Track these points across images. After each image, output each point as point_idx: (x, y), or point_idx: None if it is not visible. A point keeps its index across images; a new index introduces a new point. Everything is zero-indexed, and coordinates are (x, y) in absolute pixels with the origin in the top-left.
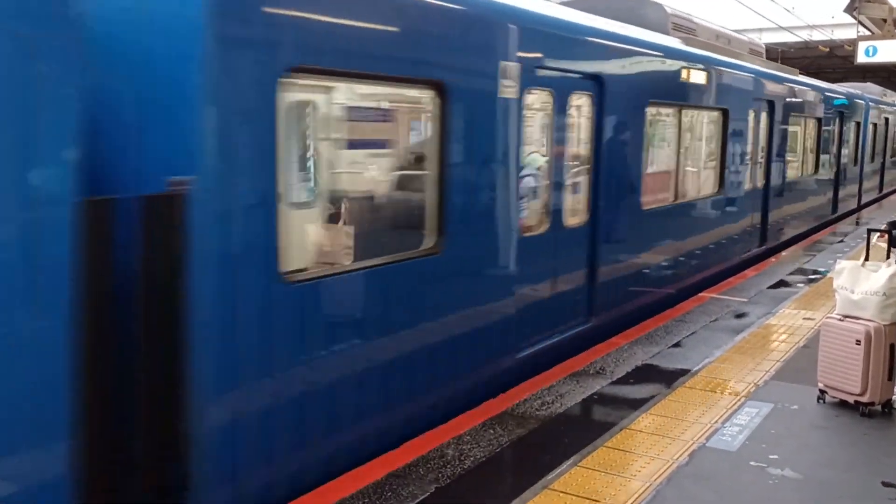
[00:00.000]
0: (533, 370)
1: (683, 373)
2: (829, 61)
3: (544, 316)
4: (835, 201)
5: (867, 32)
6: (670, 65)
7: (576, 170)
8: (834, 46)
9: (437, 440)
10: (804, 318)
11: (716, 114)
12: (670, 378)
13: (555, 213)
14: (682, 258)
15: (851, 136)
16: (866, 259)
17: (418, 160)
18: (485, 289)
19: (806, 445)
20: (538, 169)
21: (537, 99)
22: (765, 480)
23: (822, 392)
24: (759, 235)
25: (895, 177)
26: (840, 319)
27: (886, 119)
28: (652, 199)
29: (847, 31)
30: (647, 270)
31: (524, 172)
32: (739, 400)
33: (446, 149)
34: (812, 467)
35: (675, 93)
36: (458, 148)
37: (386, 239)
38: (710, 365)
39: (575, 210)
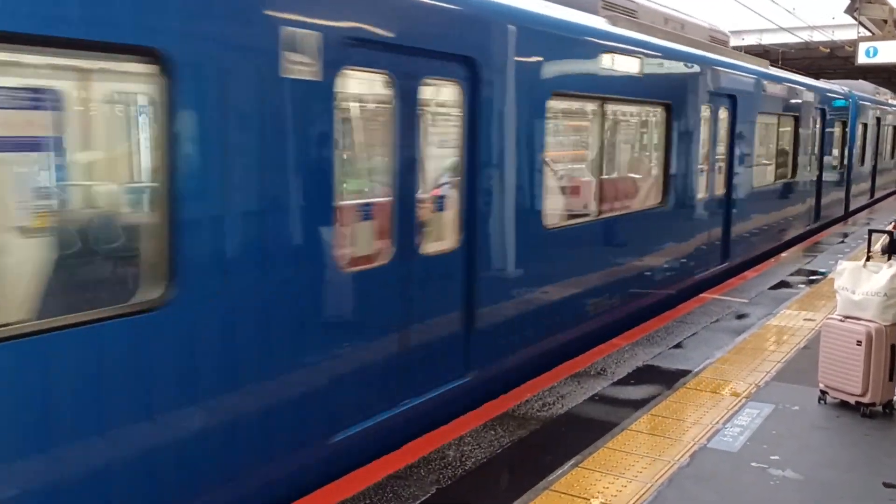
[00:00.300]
0: (375, 450)
1: (684, 374)
2: (830, 62)
3: (384, 377)
4: (817, 208)
5: (868, 33)
6: (586, 49)
7: (441, 179)
8: (834, 47)
9: (437, 441)
10: (805, 319)
11: (657, 109)
12: (671, 379)
13: (403, 236)
14: (605, 286)
15: (837, 137)
16: (867, 260)
17: (149, 170)
18: (256, 354)
19: (807, 446)
20: (372, 179)
21: (363, 84)
22: (766, 481)
23: (823, 393)
24: (720, 252)
25: (890, 180)
26: (841, 320)
27: (878, 118)
28: (561, 214)
29: (848, 31)
30: (555, 307)
31: (348, 187)
32: (740, 401)
33: (173, 153)
34: (813, 468)
35: (593, 83)
36: (192, 150)
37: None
38: (711, 366)
39: (439, 231)
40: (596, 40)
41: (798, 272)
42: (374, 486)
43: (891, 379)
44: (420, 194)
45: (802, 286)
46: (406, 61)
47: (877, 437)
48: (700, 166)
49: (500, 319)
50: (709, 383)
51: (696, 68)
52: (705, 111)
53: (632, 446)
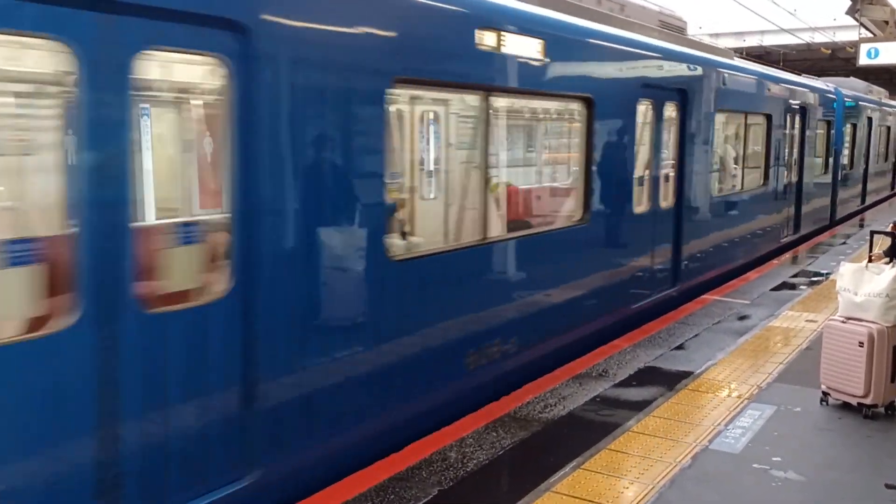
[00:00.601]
0: None
1: (686, 375)
2: (831, 63)
3: None
4: (797, 218)
5: (869, 34)
6: (449, 25)
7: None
8: (836, 48)
9: (439, 443)
10: (807, 321)
11: (572, 105)
12: (673, 380)
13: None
14: (494, 331)
15: (821, 139)
16: (869, 261)
17: None
18: None
19: (809, 447)
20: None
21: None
22: (768, 482)
23: (825, 394)
24: (669, 275)
25: (883, 185)
26: (843, 321)
27: (870, 118)
28: (415, 242)
29: (849, 33)
30: (406, 369)
31: None
32: (742, 402)
33: None
34: (815, 469)
35: (465, 68)
36: None
37: None
38: (713, 367)
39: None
40: (466, 11)
41: (800, 273)
42: (375, 488)
43: (892, 380)
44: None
45: (804, 287)
46: (87, 25)
47: (879, 439)
48: (639, 173)
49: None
50: (710, 385)
51: (630, 56)
52: (645, 108)
53: (633, 448)
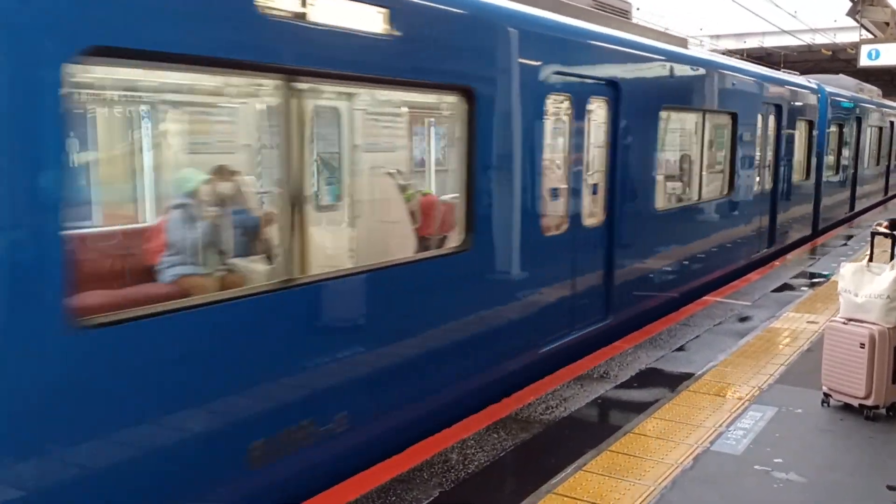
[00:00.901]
0: None
1: (687, 376)
2: (832, 65)
3: None
4: (771, 230)
5: (870, 36)
6: None
7: None
8: (836, 50)
9: (441, 444)
10: (808, 322)
11: (448, 98)
12: (674, 382)
13: None
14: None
15: (801, 141)
16: (870, 261)
17: None
18: None
19: (810, 449)
20: None
21: None
22: (769, 484)
23: (827, 395)
24: (600, 305)
25: (875, 190)
26: (844, 323)
27: (859, 118)
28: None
29: (850, 34)
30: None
31: None
32: (743, 403)
33: None
34: (816, 471)
35: (271, 48)
36: None
37: None
38: (715, 369)
39: None
40: None
41: (801, 275)
42: (377, 489)
43: (894, 382)
44: None
45: (805, 289)
46: None
47: (880, 440)
48: (551, 185)
49: None
50: (712, 386)
51: (535, 38)
52: (558, 103)
53: (635, 449)
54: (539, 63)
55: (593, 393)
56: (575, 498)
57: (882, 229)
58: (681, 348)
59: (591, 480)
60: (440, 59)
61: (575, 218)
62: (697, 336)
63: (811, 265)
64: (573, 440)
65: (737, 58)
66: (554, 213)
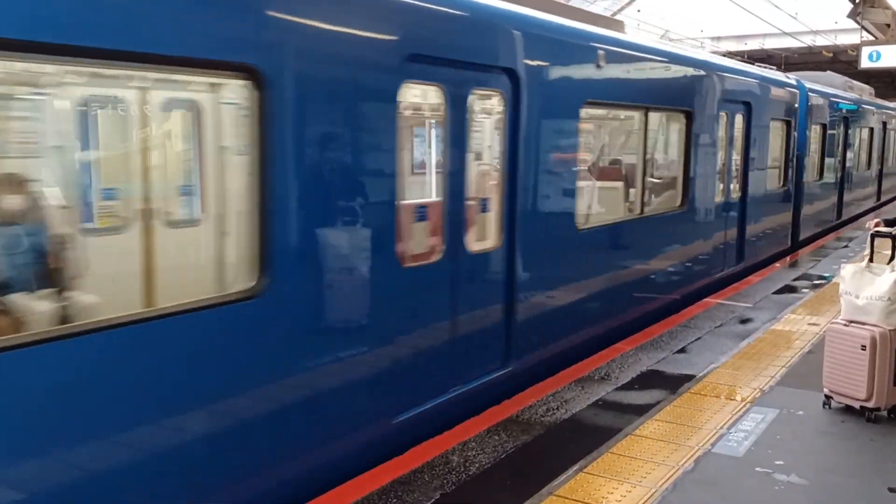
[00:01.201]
0: None
1: (689, 378)
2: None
3: None
4: (740, 245)
5: (871, 37)
6: None
7: None
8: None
9: (442, 446)
10: (809, 324)
11: (225, 86)
12: (675, 384)
13: None
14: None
15: (777, 143)
16: (870, 262)
17: None
18: None
19: (811, 451)
20: None
21: None
22: (770, 486)
23: (828, 397)
24: (497, 350)
25: (866, 195)
26: (845, 325)
27: (846, 118)
28: None
29: (850, 36)
30: None
31: None
32: (745, 405)
33: None
34: (818, 473)
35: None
36: None
37: None
38: (716, 370)
39: None
40: None
41: (802, 276)
42: (378, 491)
43: (895, 383)
44: None
45: (806, 290)
46: None
47: (881, 442)
48: (414, 200)
49: None
50: (713, 388)
51: (362, 6)
52: (420, 96)
53: (636, 451)
54: (388, 37)
55: (594, 395)
56: (576, 500)
57: (882, 229)
58: (682, 350)
59: (593, 482)
60: (203, 23)
61: (454, 242)
62: (699, 338)
63: (812, 267)
64: (574, 442)
65: (737, 59)
66: (420, 236)
